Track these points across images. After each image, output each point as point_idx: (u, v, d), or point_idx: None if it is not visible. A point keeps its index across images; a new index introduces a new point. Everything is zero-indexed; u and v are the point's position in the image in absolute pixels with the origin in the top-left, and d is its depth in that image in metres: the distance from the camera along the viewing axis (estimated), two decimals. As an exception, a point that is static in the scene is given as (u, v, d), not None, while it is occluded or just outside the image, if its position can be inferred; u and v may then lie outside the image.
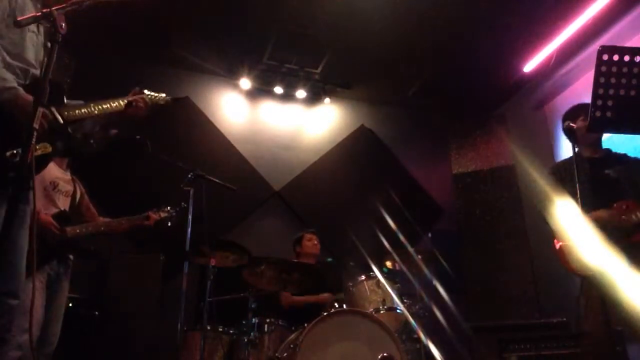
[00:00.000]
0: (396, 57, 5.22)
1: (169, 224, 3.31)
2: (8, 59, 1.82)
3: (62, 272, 2.65)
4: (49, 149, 1.90)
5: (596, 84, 1.94)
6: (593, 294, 2.60)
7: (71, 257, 2.74)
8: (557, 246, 2.78)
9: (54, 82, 1.70)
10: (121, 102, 2.20)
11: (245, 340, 3.11)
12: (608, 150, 2.95)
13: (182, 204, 3.40)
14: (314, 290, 3.82)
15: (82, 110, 2.06)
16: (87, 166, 3.08)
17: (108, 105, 2.15)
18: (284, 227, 5.24)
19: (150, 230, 3.15)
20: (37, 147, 1.80)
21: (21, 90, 1.78)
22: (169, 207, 3.30)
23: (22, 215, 1.82)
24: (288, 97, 5.76)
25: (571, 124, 2.61)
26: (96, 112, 2.11)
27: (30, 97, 1.73)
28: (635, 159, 2.84)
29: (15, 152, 1.74)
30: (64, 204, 2.81)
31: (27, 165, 1.36)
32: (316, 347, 2.70)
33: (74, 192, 2.90)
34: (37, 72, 1.93)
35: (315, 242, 4.19)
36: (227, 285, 3.43)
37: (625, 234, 2.44)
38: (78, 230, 2.74)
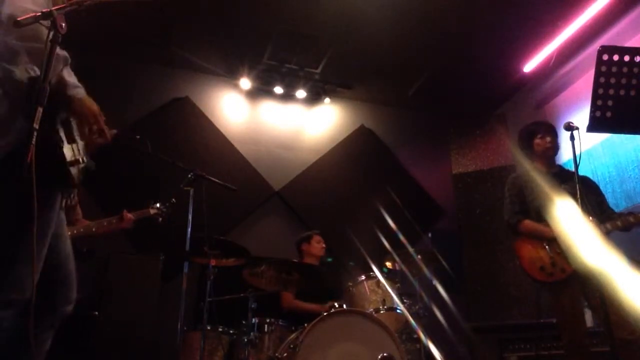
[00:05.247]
0: (396, 57, 5.22)
1: (160, 220, 3.30)
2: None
3: None
4: (87, 163, 1.76)
5: (596, 84, 1.94)
6: (563, 300, 2.75)
7: None
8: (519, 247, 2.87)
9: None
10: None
11: (245, 340, 3.10)
12: (561, 167, 3.05)
13: (172, 199, 3.39)
14: (318, 298, 3.80)
15: None
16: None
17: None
18: (284, 227, 5.24)
19: (147, 225, 3.14)
20: (77, 157, 1.69)
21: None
22: (158, 204, 3.29)
23: (64, 224, 1.85)
24: (288, 97, 5.75)
25: (571, 123, 2.61)
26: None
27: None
28: (584, 177, 2.94)
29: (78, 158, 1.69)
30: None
31: (26, 166, 1.35)
32: (316, 347, 2.70)
33: None
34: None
35: (323, 244, 4.21)
36: (227, 285, 3.42)
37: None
38: (72, 232, 2.73)
